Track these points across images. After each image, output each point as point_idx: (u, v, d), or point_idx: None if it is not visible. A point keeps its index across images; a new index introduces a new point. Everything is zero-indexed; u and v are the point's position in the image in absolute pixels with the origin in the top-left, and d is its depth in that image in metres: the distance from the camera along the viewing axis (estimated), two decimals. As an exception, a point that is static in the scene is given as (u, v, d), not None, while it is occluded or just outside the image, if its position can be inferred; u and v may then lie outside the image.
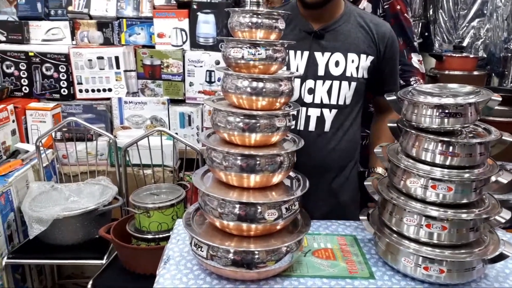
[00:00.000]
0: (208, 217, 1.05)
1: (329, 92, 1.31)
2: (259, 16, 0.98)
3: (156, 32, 2.51)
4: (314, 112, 1.32)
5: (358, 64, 1.30)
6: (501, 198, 2.38)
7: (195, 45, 2.51)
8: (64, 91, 2.51)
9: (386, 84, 1.39)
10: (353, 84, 1.31)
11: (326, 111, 1.32)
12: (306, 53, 1.30)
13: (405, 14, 1.75)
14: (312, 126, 1.33)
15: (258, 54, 0.98)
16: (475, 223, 1.04)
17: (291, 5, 1.38)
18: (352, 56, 1.29)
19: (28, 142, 2.38)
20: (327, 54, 1.29)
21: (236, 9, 1.00)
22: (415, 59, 1.79)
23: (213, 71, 2.48)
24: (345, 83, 1.30)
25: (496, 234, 1.11)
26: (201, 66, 2.49)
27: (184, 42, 2.52)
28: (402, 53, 1.74)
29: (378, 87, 1.40)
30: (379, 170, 1.36)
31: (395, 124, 1.15)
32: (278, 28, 1.01)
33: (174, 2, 2.50)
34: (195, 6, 2.45)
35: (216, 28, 2.46)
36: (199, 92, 2.52)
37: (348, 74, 1.30)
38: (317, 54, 1.29)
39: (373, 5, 1.72)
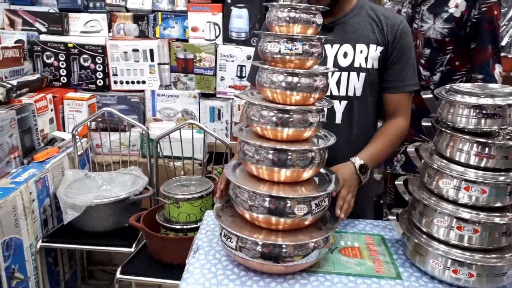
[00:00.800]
0: (238, 209, 1.07)
1: (338, 83, 1.30)
2: (297, 10, 0.99)
3: (190, 26, 2.55)
4: None
5: (367, 54, 1.29)
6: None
7: (227, 39, 2.53)
8: (100, 82, 2.59)
9: (396, 79, 1.33)
10: (362, 74, 1.30)
11: (336, 102, 1.31)
12: None
13: (499, 21, 1.70)
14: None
15: (295, 49, 0.98)
16: (508, 228, 1.02)
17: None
18: (360, 46, 1.29)
19: (64, 130, 2.47)
20: (336, 46, 1.29)
21: (274, 3, 1.01)
22: (498, 70, 1.73)
23: (244, 66, 2.50)
24: (353, 74, 1.29)
25: (530, 240, 1.08)
26: (232, 61, 2.51)
27: (217, 37, 2.55)
28: (488, 62, 1.69)
29: (385, 82, 1.35)
30: (357, 160, 1.28)
31: (430, 124, 1.14)
32: (315, 23, 1.01)
33: (209, -4, 2.53)
34: (229, 1, 2.47)
35: (249, 23, 2.48)
36: (230, 86, 2.55)
37: (356, 64, 1.29)
38: (327, 47, 1.29)
39: (469, 3, 1.66)
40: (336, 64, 1.30)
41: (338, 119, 1.34)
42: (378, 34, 1.30)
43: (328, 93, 1.29)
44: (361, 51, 1.29)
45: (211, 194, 1.78)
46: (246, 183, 1.04)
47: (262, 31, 1.06)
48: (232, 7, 2.47)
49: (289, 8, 0.98)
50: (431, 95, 1.10)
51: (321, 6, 1.02)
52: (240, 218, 1.11)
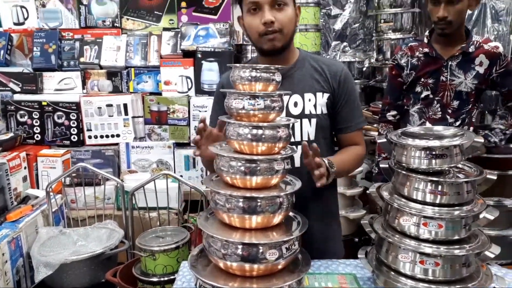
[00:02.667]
0: (212, 258, 1.10)
1: (292, 130, 1.39)
2: (258, 70, 1.08)
3: (163, 80, 2.65)
4: None
5: (316, 101, 1.40)
6: (501, 233, 2.40)
7: (199, 91, 2.64)
8: (74, 138, 2.62)
9: (347, 120, 1.44)
10: (313, 120, 1.40)
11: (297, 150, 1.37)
12: None
13: None
14: (296, 163, 1.40)
15: (257, 104, 1.07)
16: (467, 259, 1.08)
17: (253, 61, 1.54)
18: (308, 95, 1.40)
19: (38, 187, 2.46)
20: (286, 97, 1.39)
21: (237, 64, 1.10)
22: None
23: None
24: (305, 121, 1.39)
25: (489, 269, 1.15)
26: (205, 111, 2.60)
27: (189, 89, 2.65)
28: None
29: (338, 124, 1.45)
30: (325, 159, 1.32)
31: (387, 165, 1.22)
32: (275, 81, 1.11)
33: (180, 51, 2.65)
34: (199, 55, 2.60)
35: (219, 75, 2.59)
36: (203, 135, 2.62)
37: (307, 112, 1.40)
38: None
39: (490, 62, 1.93)
40: (288, 113, 1.40)
41: (297, 163, 1.41)
42: (323, 82, 1.41)
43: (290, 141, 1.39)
44: (309, 100, 1.40)
45: (188, 244, 1.80)
46: (218, 232, 1.09)
47: (227, 90, 1.14)
48: (202, 61, 2.59)
49: (250, 69, 1.08)
50: (385, 140, 1.20)
51: (279, 66, 1.12)
52: (214, 267, 1.14)
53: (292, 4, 1.34)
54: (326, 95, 1.41)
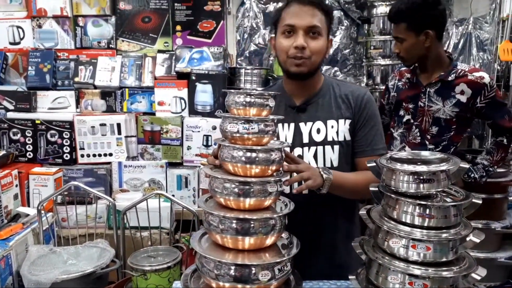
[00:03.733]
0: (205, 278, 1.12)
1: (315, 156, 1.43)
2: (252, 96, 1.12)
3: (157, 101, 2.68)
4: None
5: (338, 128, 1.43)
6: (489, 256, 2.44)
7: (193, 112, 2.67)
8: (66, 156, 2.63)
9: (363, 144, 1.45)
10: (336, 147, 1.43)
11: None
12: (292, 125, 1.45)
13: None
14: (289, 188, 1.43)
15: (252, 128, 1.11)
16: (454, 280, 1.11)
17: (278, 85, 1.57)
18: (331, 122, 1.43)
19: (29, 205, 2.45)
20: (309, 124, 1.44)
21: (232, 90, 1.15)
22: None
23: (210, 135, 2.63)
24: (328, 147, 1.43)
25: (476, 292, 1.18)
26: (198, 131, 2.64)
27: (183, 110, 2.69)
28: (511, 127, 2.03)
29: (355, 148, 1.47)
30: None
31: (377, 189, 1.26)
32: (268, 106, 1.15)
33: (174, 73, 2.70)
34: (193, 77, 2.65)
35: (214, 97, 2.64)
36: (196, 155, 2.65)
37: (329, 139, 1.43)
38: (301, 125, 1.44)
39: (474, 92, 1.97)
40: (311, 139, 1.43)
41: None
42: (345, 109, 1.44)
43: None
44: (332, 126, 1.43)
45: (179, 264, 1.80)
46: (211, 253, 1.11)
47: (222, 114, 1.18)
48: (196, 83, 2.64)
49: (245, 94, 1.12)
50: (374, 164, 1.24)
51: (274, 92, 1.17)
52: (207, 287, 1.15)
53: (326, 36, 1.39)
54: (348, 121, 1.44)
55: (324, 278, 1.41)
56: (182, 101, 2.67)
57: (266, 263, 1.08)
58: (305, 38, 1.33)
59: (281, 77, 1.54)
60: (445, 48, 2.86)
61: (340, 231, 1.51)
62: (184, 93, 2.67)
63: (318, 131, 1.43)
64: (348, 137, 1.44)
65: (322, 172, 1.29)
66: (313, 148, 1.43)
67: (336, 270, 1.45)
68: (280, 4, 1.48)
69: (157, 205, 2.21)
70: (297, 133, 1.45)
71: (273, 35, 1.47)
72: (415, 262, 1.12)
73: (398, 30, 1.96)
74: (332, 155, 1.43)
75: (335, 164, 1.44)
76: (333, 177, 1.30)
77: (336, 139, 1.43)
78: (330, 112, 1.44)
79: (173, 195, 2.56)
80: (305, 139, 1.43)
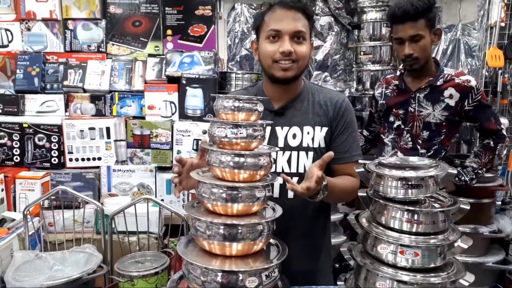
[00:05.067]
0: (192, 285, 1.10)
1: (288, 161, 1.42)
2: (240, 101, 1.12)
3: (147, 105, 2.66)
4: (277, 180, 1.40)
5: (314, 135, 1.43)
6: (477, 261, 2.45)
7: (183, 116, 2.66)
8: (54, 160, 2.60)
9: (341, 151, 1.44)
10: (310, 153, 1.42)
11: (279, 178, 1.37)
12: (268, 128, 1.43)
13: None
14: (276, 193, 1.43)
15: (240, 133, 1.10)
16: (443, 286, 1.11)
17: (257, 86, 1.55)
18: (307, 128, 1.43)
19: (15, 210, 2.41)
20: (285, 128, 1.43)
21: (221, 95, 1.14)
22: (504, 126, 2.18)
23: (200, 139, 2.61)
24: (302, 153, 1.42)
25: (464, 297, 1.18)
26: (189, 135, 2.62)
27: (173, 114, 2.67)
28: (497, 129, 2.07)
29: (335, 154, 1.41)
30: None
31: (365, 194, 1.26)
32: (257, 111, 1.15)
33: (165, 77, 2.69)
34: (184, 81, 2.64)
35: (204, 101, 2.63)
36: (186, 160, 2.63)
37: (304, 144, 1.42)
38: (278, 129, 1.44)
39: (461, 95, 1.99)
40: (286, 144, 1.42)
41: (291, 194, 1.43)
42: (323, 116, 1.44)
43: (280, 170, 1.41)
44: (308, 133, 1.43)
45: (167, 269, 1.78)
46: (198, 259, 1.09)
47: (210, 118, 1.17)
48: (187, 87, 2.63)
49: (233, 99, 1.11)
50: (362, 169, 1.24)
51: (262, 98, 1.16)
52: (194, 294, 1.14)
53: (309, 41, 1.39)
54: (325, 129, 1.43)
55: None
56: (172, 105, 2.66)
57: (253, 270, 1.07)
58: (291, 43, 1.33)
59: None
60: (433, 54, 2.89)
61: (312, 240, 1.49)
62: (174, 97, 2.66)
63: (294, 136, 1.43)
64: (323, 144, 1.44)
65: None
66: (287, 153, 1.42)
67: (304, 276, 1.44)
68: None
69: (145, 210, 2.19)
70: (273, 136, 1.44)
71: (254, 40, 1.47)
72: (403, 268, 1.12)
73: (416, 28, 1.90)
74: (306, 161, 1.43)
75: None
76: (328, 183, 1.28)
77: (311, 145, 1.43)
78: (307, 118, 1.44)
79: (162, 200, 2.54)
80: (280, 143, 1.42)
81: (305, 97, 1.47)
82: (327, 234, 1.58)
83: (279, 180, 1.40)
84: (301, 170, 1.43)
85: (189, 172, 1.23)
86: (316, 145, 1.43)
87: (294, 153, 1.42)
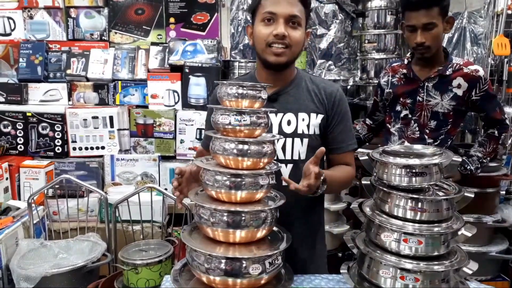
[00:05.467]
0: (195, 272, 1.11)
1: (283, 148, 1.41)
2: (244, 88, 1.11)
3: (150, 93, 2.65)
4: None
5: (309, 122, 1.42)
6: (480, 250, 2.45)
7: (186, 105, 2.65)
8: (58, 149, 2.60)
9: (339, 141, 1.45)
10: (305, 140, 1.41)
11: (282, 165, 1.39)
12: None
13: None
14: None
15: (244, 120, 1.09)
16: (446, 274, 1.11)
17: (250, 75, 1.54)
18: (302, 115, 1.41)
19: (19, 199, 2.43)
20: (280, 115, 1.41)
21: (224, 81, 1.13)
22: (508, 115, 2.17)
23: (203, 128, 2.60)
24: (297, 140, 1.41)
25: (467, 285, 1.18)
26: (192, 125, 2.62)
27: (176, 103, 2.67)
28: (502, 119, 2.08)
29: (330, 144, 1.46)
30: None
31: (369, 182, 1.25)
32: (261, 98, 1.14)
33: (168, 66, 2.68)
34: (187, 70, 2.62)
35: (207, 90, 2.62)
36: (190, 148, 2.64)
37: (299, 131, 1.41)
38: (271, 115, 1.41)
39: (469, 85, 1.97)
40: (280, 131, 1.41)
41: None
42: (318, 104, 1.43)
43: (275, 158, 1.40)
44: (303, 119, 1.41)
45: (171, 258, 1.79)
46: (202, 246, 1.09)
47: (214, 105, 1.16)
48: (190, 76, 2.62)
49: (237, 86, 1.10)
50: (366, 157, 1.23)
51: (266, 84, 1.15)
52: (197, 281, 1.14)
53: (304, 28, 1.37)
54: (320, 116, 1.42)
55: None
56: (175, 94, 2.65)
57: (257, 257, 1.07)
58: (285, 27, 1.31)
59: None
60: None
61: (306, 225, 1.49)
62: (177, 86, 2.65)
63: (289, 122, 1.41)
64: (317, 131, 1.43)
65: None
66: (281, 140, 1.41)
67: (298, 265, 1.42)
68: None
69: (149, 199, 2.20)
70: None
71: (249, 24, 1.45)
72: (407, 256, 1.12)
73: (430, 16, 1.86)
74: (301, 147, 1.42)
75: (303, 157, 1.42)
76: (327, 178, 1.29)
77: (306, 132, 1.41)
78: (302, 105, 1.42)
79: (165, 189, 2.54)
80: (275, 130, 1.41)
81: (299, 84, 1.46)
82: (322, 223, 1.58)
83: (288, 170, 1.41)
84: (295, 157, 1.42)
85: (188, 180, 1.24)
86: (311, 132, 1.42)
87: (289, 140, 1.41)
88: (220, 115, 1.11)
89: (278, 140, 1.34)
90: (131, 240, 2.10)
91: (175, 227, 2.29)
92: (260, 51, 1.38)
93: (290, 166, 1.41)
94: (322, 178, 1.22)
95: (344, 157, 1.46)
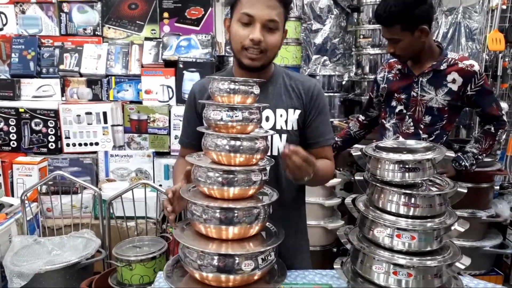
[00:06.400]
0: (188, 269, 1.10)
1: None
2: (236, 83, 1.10)
3: (144, 89, 2.64)
4: None
5: (287, 117, 1.41)
6: (474, 245, 2.46)
7: (181, 100, 2.64)
8: (51, 145, 2.58)
9: (317, 135, 1.44)
10: (284, 136, 1.41)
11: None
12: None
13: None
14: None
15: (235, 116, 1.08)
16: (439, 270, 1.11)
17: (227, 71, 1.53)
18: (280, 111, 1.41)
19: (13, 195, 2.41)
20: None
21: (216, 76, 1.12)
22: (504, 110, 2.14)
23: (198, 125, 2.60)
24: (276, 136, 1.40)
25: (460, 280, 1.18)
26: (186, 121, 2.60)
27: (170, 98, 2.65)
28: (499, 115, 2.06)
29: (308, 139, 1.45)
30: None
31: (362, 177, 1.25)
32: (253, 93, 1.13)
33: (162, 61, 2.66)
34: (181, 65, 2.61)
35: (201, 85, 2.60)
36: (184, 145, 2.62)
37: (278, 127, 1.41)
38: None
39: (465, 80, 1.97)
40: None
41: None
42: (295, 99, 1.42)
43: (268, 153, 1.40)
44: (281, 115, 1.41)
45: (165, 254, 1.79)
46: (194, 243, 1.09)
47: (205, 101, 1.15)
48: (184, 71, 2.60)
49: (229, 81, 1.09)
50: (359, 152, 1.23)
51: (258, 79, 1.14)
52: (190, 278, 1.14)
53: (282, 30, 1.35)
54: (298, 112, 1.42)
55: None
56: (170, 89, 2.64)
57: (250, 253, 1.07)
58: (262, 31, 1.28)
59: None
60: (434, 38, 2.86)
61: (288, 223, 1.49)
62: (171, 81, 2.63)
63: (267, 119, 1.40)
64: (295, 127, 1.43)
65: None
66: None
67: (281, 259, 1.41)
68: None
69: (143, 195, 2.19)
70: None
71: (227, 17, 1.43)
72: (400, 252, 1.12)
73: (392, 32, 1.91)
74: (280, 143, 1.41)
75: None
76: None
77: (284, 128, 1.41)
78: (280, 101, 1.42)
79: (160, 185, 2.54)
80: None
81: (277, 80, 1.45)
82: (303, 220, 1.57)
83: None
84: (275, 153, 1.41)
85: (179, 197, 1.21)
86: (289, 128, 1.42)
87: (275, 134, 1.40)
88: (211, 111, 1.10)
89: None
90: (125, 236, 2.10)
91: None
92: (235, 51, 1.37)
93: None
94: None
95: (323, 151, 1.45)
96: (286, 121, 1.41)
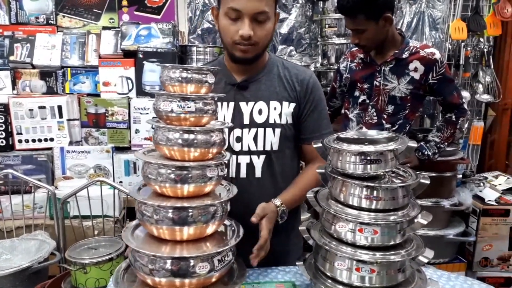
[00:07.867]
0: (139, 274, 1.02)
1: (255, 139, 1.34)
2: (189, 71, 1.02)
3: (102, 81, 2.51)
4: (243, 159, 1.35)
5: (281, 111, 1.35)
6: (438, 233, 2.49)
7: (141, 92, 2.53)
8: (2, 142, 2.42)
9: (313, 130, 1.40)
10: (278, 130, 1.35)
11: (254, 157, 1.35)
12: (231, 104, 1.35)
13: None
14: (243, 173, 1.35)
15: (188, 107, 1.01)
16: (402, 264, 1.08)
17: (218, 61, 1.45)
18: (274, 103, 1.34)
19: (-42, 196, 2.24)
20: (251, 103, 1.34)
21: (167, 64, 1.04)
22: (465, 99, 2.18)
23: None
24: (269, 130, 1.34)
25: (424, 273, 1.16)
26: (147, 113, 2.50)
27: (130, 90, 2.53)
28: (460, 103, 2.06)
29: (303, 134, 1.41)
30: (277, 201, 1.31)
31: (323, 170, 1.20)
32: (207, 82, 1.05)
33: (120, 51, 2.53)
34: (141, 55, 2.49)
35: (162, 77, 2.50)
36: (145, 139, 2.52)
37: (271, 121, 1.34)
38: (242, 104, 1.34)
39: (426, 68, 1.95)
40: (252, 120, 1.34)
41: (258, 173, 1.36)
42: (290, 91, 1.36)
43: (247, 149, 1.34)
44: (275, 108, 1.34)
45: (122, 255, 1.69)
46: (145, 246, 1.01)
47: (155, 91, 1.07)
48: (144, 62, 2.48)
49: (181, 69, 1.01)
50: (320, 144, 1.18)
51: (213, 67, 1.06)
52: (141, 283, 1.06)
53: (273, 17, 1.27)
54: (292, 105, 1.36)
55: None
56: (129, 81, 2.51)
57: (205, 255, 1.00)
58: (251, 25, 1.21)
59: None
60: (398, 27, 2.85)
61: (285, 221, 1.44)
62: (131, 72, 2.51)
63: (260, 112, 1.34)
64: (290, 121, 1.37)
65: (278, 217, 1.29)
66: (253, 130, 1.34)
67: (274, 257, 1.38)
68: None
69: (102, 193, 2.08)
70: (237, 113, 1.34)
71: (214, 6, 1.35)
72: (362, 247, 1.08)
73: (357, 23, 1.87)
74: (273, 138, 1.35)
75: (275, 147, 1.36)
76: (286, 207, 1.31)
77: (278, 121, 1.35)
78: (274, 93, 1.35)
79: (120, 182, 2.44)
80: (246, 120, 1.34)
81: (271, 71, 1.38)
82: (297, 215, 1.53)
83: (246, 160, 1.35)
84: (267, 148, 1.36)
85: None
86: (284, 121, 1.36)
87: (261, 130, 1.34)
88: (162, 102, 1.02)
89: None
90: (82, 237, 1.98)
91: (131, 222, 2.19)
92: (226, 45, 1.30)
93: (262, 157, 1.36)
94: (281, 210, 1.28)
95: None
96: (280, 115, 1.34)
